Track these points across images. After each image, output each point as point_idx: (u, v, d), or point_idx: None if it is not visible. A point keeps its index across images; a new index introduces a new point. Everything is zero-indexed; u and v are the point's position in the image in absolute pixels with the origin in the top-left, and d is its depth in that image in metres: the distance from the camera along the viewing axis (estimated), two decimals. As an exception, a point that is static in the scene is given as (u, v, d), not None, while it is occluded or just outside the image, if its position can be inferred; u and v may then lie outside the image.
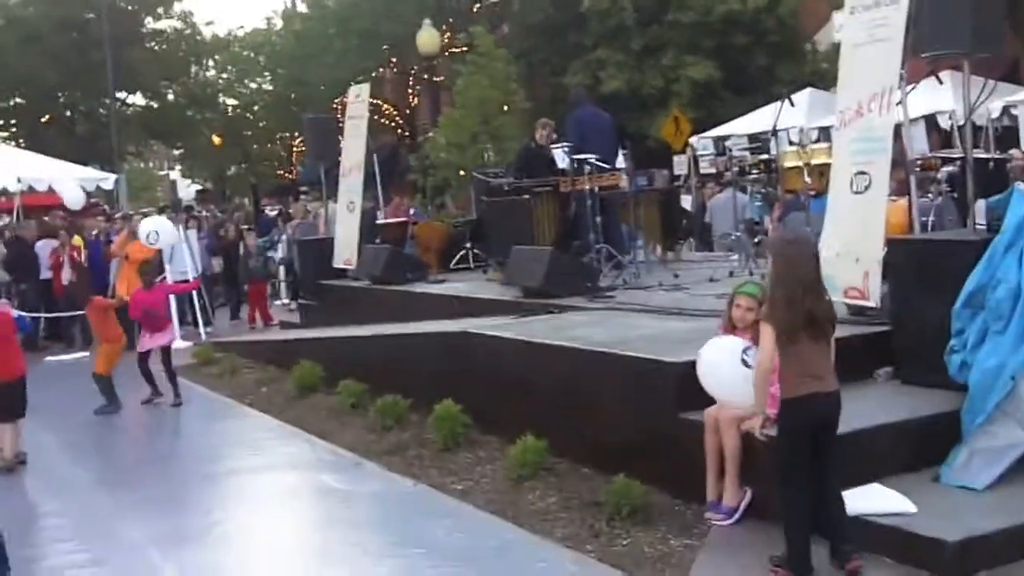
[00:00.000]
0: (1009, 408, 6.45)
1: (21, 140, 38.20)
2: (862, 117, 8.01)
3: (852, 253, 8.01)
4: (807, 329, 5.86)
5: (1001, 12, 7.54)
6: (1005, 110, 16.66)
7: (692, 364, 7.62)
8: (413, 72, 38.86)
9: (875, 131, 7.95)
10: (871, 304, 8.06)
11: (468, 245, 16.31)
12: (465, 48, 30.14)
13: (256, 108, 46.90)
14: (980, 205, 11.82)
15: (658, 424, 7.63)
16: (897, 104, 7.91)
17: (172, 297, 15.37)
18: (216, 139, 45.93)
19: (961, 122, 16.97)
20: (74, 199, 20.27)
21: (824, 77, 29.33)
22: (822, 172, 11.52)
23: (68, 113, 41.63)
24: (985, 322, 6.71)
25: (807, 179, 11.43)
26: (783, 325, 5.86)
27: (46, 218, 21.10)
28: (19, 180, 20.98)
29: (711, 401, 7.10)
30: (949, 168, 10.12)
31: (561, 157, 14.12)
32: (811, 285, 5.91)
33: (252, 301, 19.82)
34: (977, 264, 6.85)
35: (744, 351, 6.69)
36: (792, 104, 12.11)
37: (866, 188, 7.95)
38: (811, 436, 5.91)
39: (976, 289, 6.80)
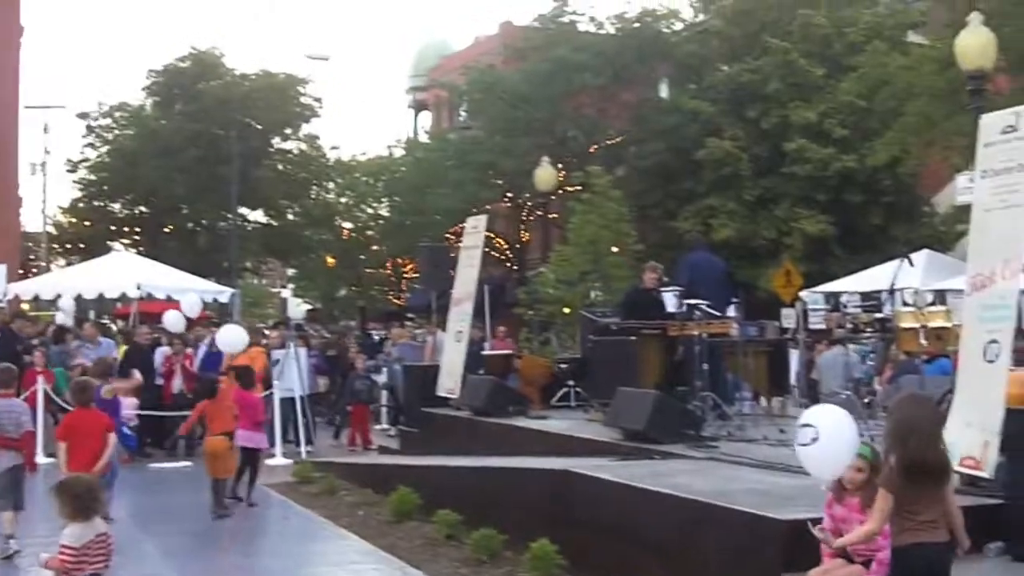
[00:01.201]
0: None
1: (142, 248, 39.39)
2: (994, 283, 7.93)
3: (978, 423, 7.86)
4: (922, 480, 5.89)
5: None
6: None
7: (797, 523, 7.51)
8: (526, 207, 39.49)
9: (1005, 298, 7.87)
10: (985, 475, 7.86)
11: (571, 383, 16.28)
12: (580, 187, 30.63)
13: (370, 233, 47.84)
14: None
15: (759, 581, 7.47)
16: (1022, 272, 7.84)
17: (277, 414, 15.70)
18: (330, 260, 46.85)
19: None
20: (191, 308, 20.71)
21: (941, 239, 29.15)
22: (939, 335, 11.38)
23: (190, 225, 42.88)
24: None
25: (923, 341, 11.27)
26: (908, 482, 5.87)
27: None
28: (139, 287, 21.55)
29: (815, 562, 6.94)
30: (1069, 341, 9.93)
31: (671, 300, 14.11)
32: (931, 440, 5.96)
33: (354, 423, 19.96)
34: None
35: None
36: (911, 264, 11.99)
37: (997, 356, 7.83)
38: None
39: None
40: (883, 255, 24.73)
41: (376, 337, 26.25)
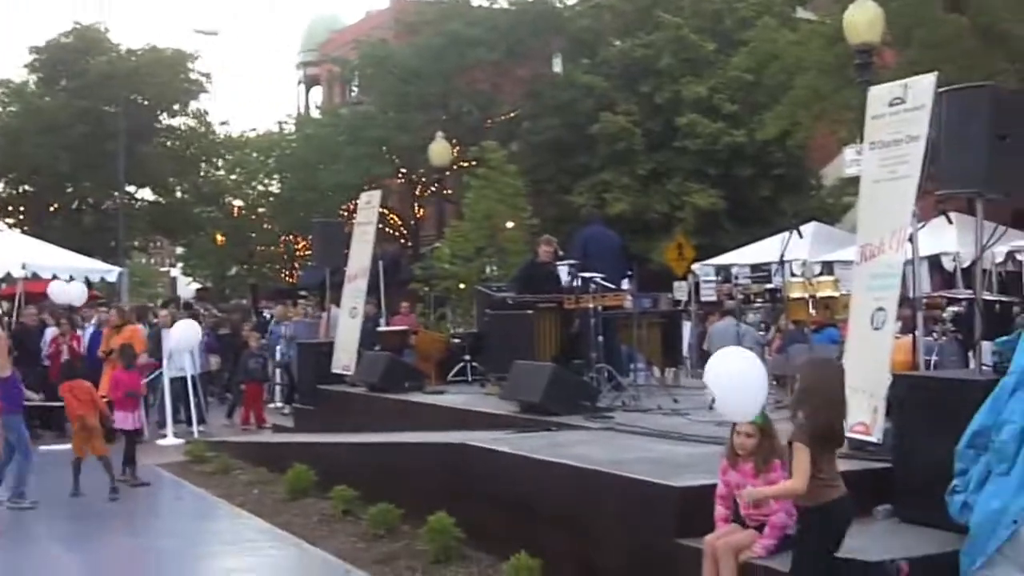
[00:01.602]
0: (1010, 552, 6.36)
1: (27, 227, 38.44)
2: (883, 253, 8.08)
3: (866, 388, 8.01)
4: (830, 443, 6.23)
5: (1018, 155, 7.64)
6: (1010, 255, 16.80)
7: (691, 489, 7.62)
8: (420, 183, 39.34)
9: (892, 267, 8.03)
10: (873, 439, 8.03)
11: (467, 358, 16.27)
12: (475, 162, 30.58)
13: (261, 210, 47.25)
14: (985, 346, 11.87)
15: (655, 549, 7.55)
16: (908, 241, 7.99)
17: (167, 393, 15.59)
18: (219, 238, 46.18)
19: (965, 264, 17.25)
20: (77, 295, 20.17)
21: (828, 212, 29.73)
22: (827, 305, 11.60)
23: (76, 203, 41.93)
24: (988, 464, 6.65)
25: (812, 311, 11.48)
26: (818, 444, 6.10)
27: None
28: (24, 267, 21.02)
29: (710, 528, 7.05)
30: (954, 308, 10.20)
31: (565, 274, 14.17)
32: (839, 405, 6.29)
33: (248, 402, 19.75)
34: (982, 404, 6.83)
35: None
36: (800, 235, 12.21)
37: (883, 323, 7.99)
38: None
39: (980, 430, 6.76)
40: (772, 228, 25.14)
41: (268, 315, 25.88)
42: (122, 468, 13.39)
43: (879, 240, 8.17)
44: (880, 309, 8.05)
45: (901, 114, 8.22)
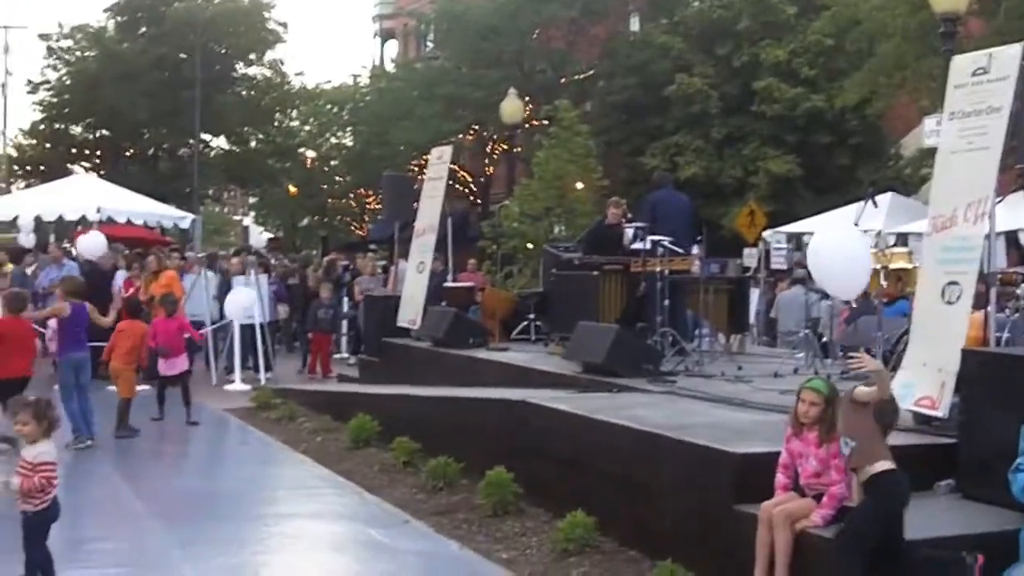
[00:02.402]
0: (1071, 533, 6.29)
1: (103, 172, 38.97)
2: (956, 225, 7.93)
3: (936, 363, 7.90)
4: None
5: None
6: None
7: (751, 456, 7.58)
8: (492, 140, 39.29)
9: (968, 240, 7.88)
10: (939, 414, 7.93)
11: (532, 316, 16.28)
12: (546, 121, 30.44)
13: (334, 162, 47.48)
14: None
15: (711, 514, 7.52)
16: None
17: (237, 341, 15.90)
18: (292, 189, 46.51)
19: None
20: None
21: (906, 182, 29.26)
22: (899, 277, 11.43)
23: (152, 150, 42.41)
24: (1054, 443, 6.56)
25: (883, 282, 11.31)
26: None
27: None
28: (99, 210, 21.32)
29: (767, 495, 7.00)
30: (1029, 284, 10.00)
31: (633, 236, 14.09)
32: None
33: (315, 351, 19.93)
34: (1052, 383, 6.72)
35: None
36: (876, 205, 12.00)
37: (957, 298, 7.86)
38: None
39: (1048, 409, 6.66)
40: (848, 197, 24.81)
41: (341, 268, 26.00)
42: (185, 410, 13.84)
43: (952, 212, 8.01)
44: (952, 283, 7.90)
45: (984, 84, 8.04)
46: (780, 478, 7.00)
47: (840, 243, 6.46)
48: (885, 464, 6.41)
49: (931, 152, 26.03)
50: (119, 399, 13.12)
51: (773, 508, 6.84)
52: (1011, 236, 17.00)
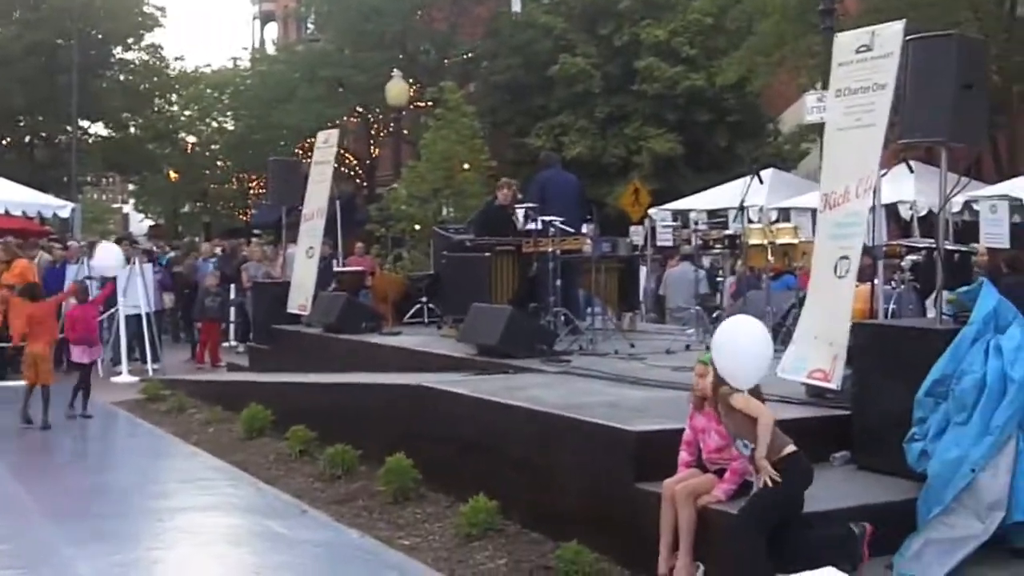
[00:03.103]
0: (967, 500, 6.45)
1: (-23, 162, 37.80)
2: (848, 202, 8.07)
3: (826, 336, 8.04)
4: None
5: (984, 105, 7.64)
6: (966, 205, 16.93)
7: (648, 433, 7.63)
8: (377, 122, 39.00)
9: (858, 215, 8.03)
10: (832, 386, 8.08)
11: (424, 299, 16.23)
12: (432, 103, 30.29)
13: (215, 147, 46.70)
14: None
15: (612, 493, 7.56)
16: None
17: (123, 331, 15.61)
18: (173, 175, 45.65)
19: (921, 213, 17.37)
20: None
21: (786, 158, 29.77)
22: (785, 252, 11.62)
23: (28, 137, 41.22)
24: (947, 412, 6.73)
25: (770, 258, 11.50)
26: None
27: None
28: (-26, 201, 20.68)
29: (668, 473, 7.07)
30: (913, 257, 10.23)
31: (524, 217, 14.09)
32: None
33: (203, 341, 19.61)
34: (943, 354, 6.88)
35: None
36: (761, 181, 12.20)
37: (847, 272, 8.00)
38: None
39: (940, 379, 6.82)
40: (728, 174, 25.13)
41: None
42: (72, 401, 13.52)
43: (843, 188, 8.15)
44: (844, 258, 8.06)
45: (868, 62, 8.17)
46: (683, 455, 7.07)
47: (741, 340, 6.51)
48: (789, 447, 6.47)
49: (811, 128, 26.63)
50: (41, 388, 12.93)
51: (676, 485, 6.89)
52: (891, 209, 17.42)
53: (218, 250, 24.41)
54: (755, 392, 6.54)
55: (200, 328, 19.90)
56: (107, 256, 17.18)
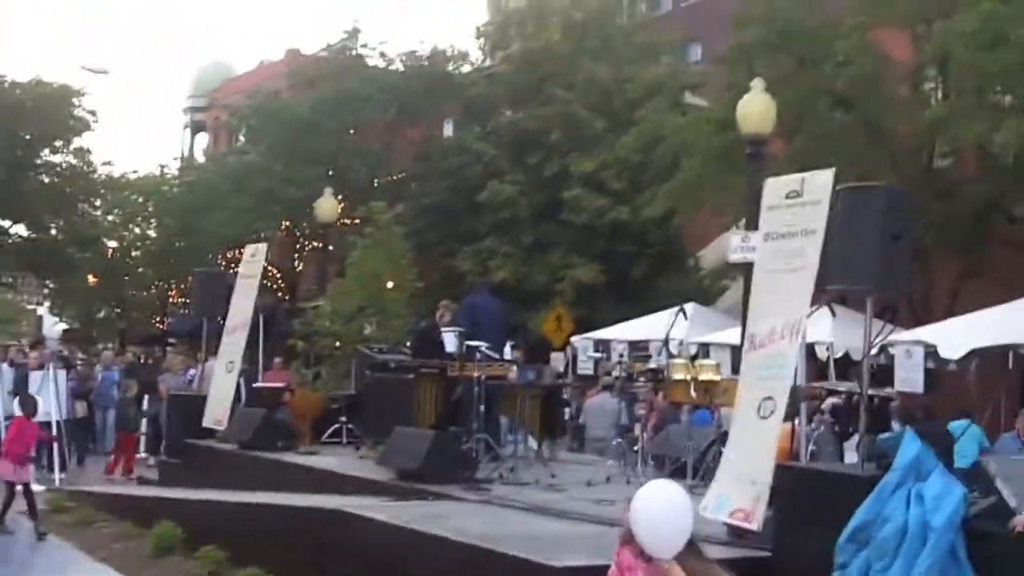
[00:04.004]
0: (888, 649, 6.47)
1: None
2: (773, 343, 8.18)
3: (750, 476, 8.08)
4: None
5: (908, 255, 7.84)
6: (882, 349, 17.18)
7: (571, 570, 7.57)
8: (303, 237, 38.99)
9: (784, 357, 8.13)
10: (753, 528, 8.09)
11: (343, 419, 16.08)
12: (357, 221, 30.39)
13: (136, 253, 46.28)
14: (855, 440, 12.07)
15: (533, 629, 7.47)
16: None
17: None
18: (91, 279, 45.04)
19: (838, 355, 17.62)
20: None
21: (705, 293, 30.17)
22: (707, 388, 11.72)
23: (-58, 235, 40.57)
24: (868, 559, 6.77)
25: (692, 393, 11.59)
26: None
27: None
28: None
29: (588, 611, 7.00)
30: (833, 400, 10.38)
31: (451, 340, 14.09)
32: None
33: (120, 450, 19.21)
34: (865, 500, 6.94)
35: None
36: (686, 317, 12.35)
37: (771, 413, 8.08)
38: None
39: (862, 525, 6.89)
40: (648, 305, 25.40)
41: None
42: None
43: (769, 329, 8.27)
44: (768, 398, 8.14)
45: (797, 208, 8.37)
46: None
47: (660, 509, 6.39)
48: None
49: (733, 266, 27.07)
50: None
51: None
52: (809, 349, 17.64)
53: (128, 357, 24.12)
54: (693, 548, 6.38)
55: (118, 438, 19.48)
56: None
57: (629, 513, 6.13)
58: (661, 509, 6.23)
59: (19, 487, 13.08)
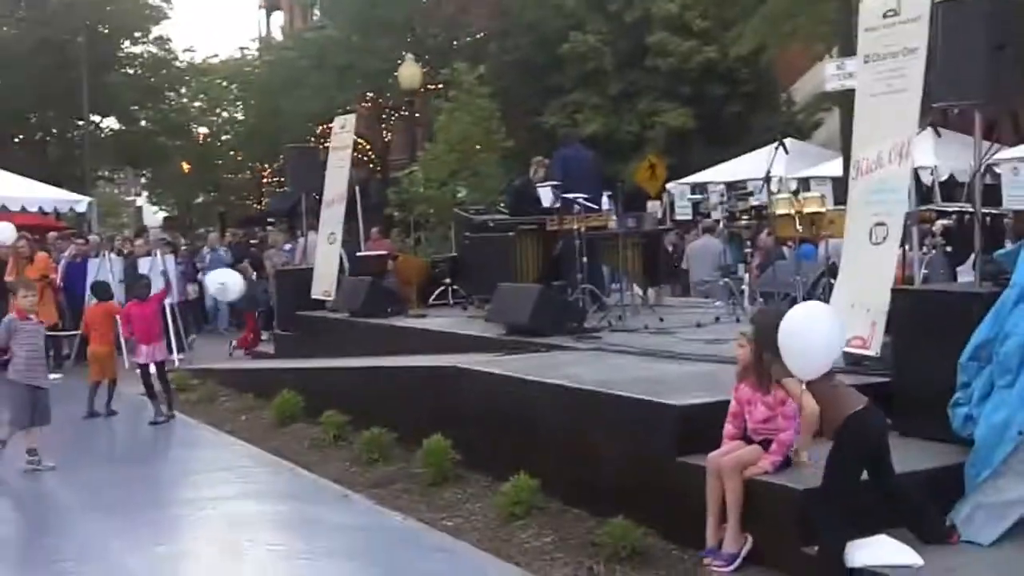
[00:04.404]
0: (1016, 463, 6.42)
1: (-10, 159, 37.77)
2: (881, 168, 8.01)
3: (864, 303, 7.99)
4: None
5: (1016, 64, 7.55)
6: (988, 169, 16.84)
7: (691, 407, 7.62)
8: (388, 107, 38.92)
9: (893, 181, 7.97)
10: (872, 353, 8.03)
11: (448, 281, 16.25)
12: (442, 85, 30.23)
13: (226, 137, 46.70)
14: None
15: (656, 468, 7.55)
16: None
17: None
18: (185, 167, 45.65)
19: (943, 178, 17.30)
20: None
21: (800, 129, 29.65)
22: (813, 221, 11.56)
23: (40, 134, 41.22)
24: (991, 376, 6.70)
25: (799, 227, 11.46)
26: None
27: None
28: (-8, 199, 20.66)
29: (711, 446, 7.06)
30: (944, 221, 10.19)
31: (547, 195, 14.07)
32: None
33: (248, 328, 19.70)
34: (984, 318, 6.85)
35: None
36: (787, 151, 12.13)
37: (884, 239, 7.95)
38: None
39: (983, 342, 6.80)
40: (742, 146, 25.05)
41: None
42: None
43: (875, 154, 8.09)
44: (880, 224, 7.99)
45: (896, 26, 8.10)
46: (729, 427, 7.05)
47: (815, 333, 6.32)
48: (850, 411, 6.27)
49: (824, 97, 26.50)
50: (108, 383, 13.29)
51: (721, 457, 6.89)
52: (914, 173, 17.35)
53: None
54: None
55: (248, 317, 19.99)
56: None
57: (778, 334, 6.17)
58: (813, 331, 6.25)
59: (152, 367, 13.29)
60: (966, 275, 12.45)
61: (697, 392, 8.07)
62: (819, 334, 6.19)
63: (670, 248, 19.34)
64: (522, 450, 8.91)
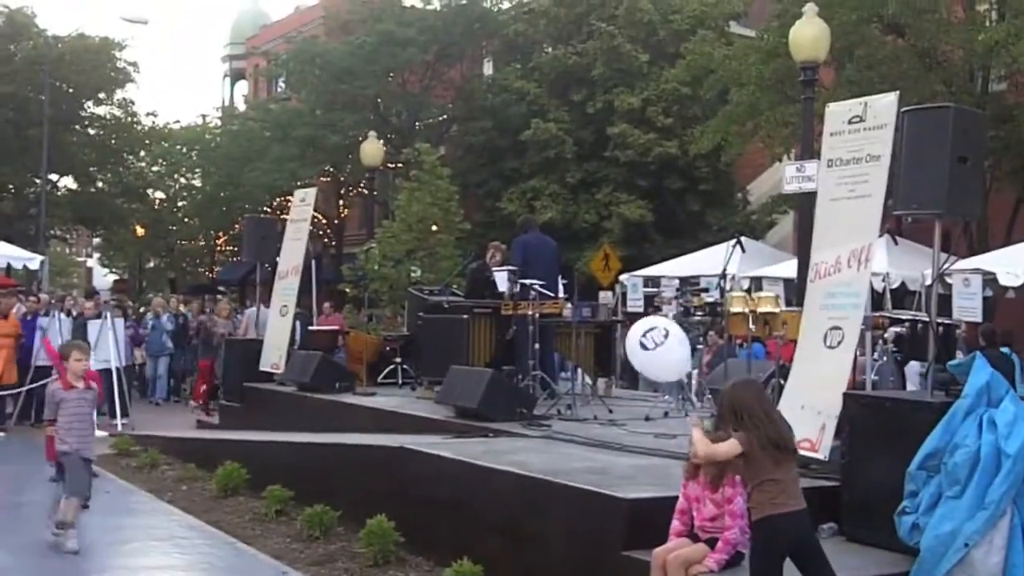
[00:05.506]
0: (960, 575, 6.45)
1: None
2: (840, 272, 8.11)
3: (815, 406, 8.04)
4: (782, 452, 6.13)
5: (978, 177, 7.71)
6: (940, 278, 17.05)
7: (640, 501, 7.59)
8: (347, 183, 39.06)
9: (852, 286, 8.06)
10: (819, 456, 8.07)
11: (399, 360, 16.19)
12: (402, 164, 30.38)
13: (183, 204, 46.60)
14: (914, 367, 12.02)
15: (602, 560, 7.50)
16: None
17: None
18: (140, 230, 45.43)
19: (894, 285, 17.51)
20: None
21: (754, 227, 30.00)
22: (766, 320, 11.63)
23: (-5, 189, 40.95)
24: (940, 486, 6.74)
25: (751, 326, 11.54)
26: (768, 453, 6.10)
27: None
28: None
29: (658, 541, 7.02)
30: (896, 329, 10.30)
31: (503, 280, 14.11)
32: (780, 417, 6.33)
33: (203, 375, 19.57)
34: (935, 427, 6.90)
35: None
36: (743, 249, 12.26)
37: (839, 343, 8.02)
38: (789, 553, 6.10)
39: (932, 452, 6.84)
40: (697, 242, 25.31)
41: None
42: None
43: (834, 258, 8.19)
44: (835, 328, 8.08)
45: (861, 132, 8.26)
46: (675, 524, 7.01)
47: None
48: (764, 511, 6.19)
49: (783, 198, 26.86)
50: None
51: (667, 554, 6.84)
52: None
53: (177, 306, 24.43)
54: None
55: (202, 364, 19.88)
56: None
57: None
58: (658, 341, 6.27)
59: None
60: (912, 382, 12.61)
61: (645, 486, 8.05)
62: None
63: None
64: (467, 535, 8.83)
